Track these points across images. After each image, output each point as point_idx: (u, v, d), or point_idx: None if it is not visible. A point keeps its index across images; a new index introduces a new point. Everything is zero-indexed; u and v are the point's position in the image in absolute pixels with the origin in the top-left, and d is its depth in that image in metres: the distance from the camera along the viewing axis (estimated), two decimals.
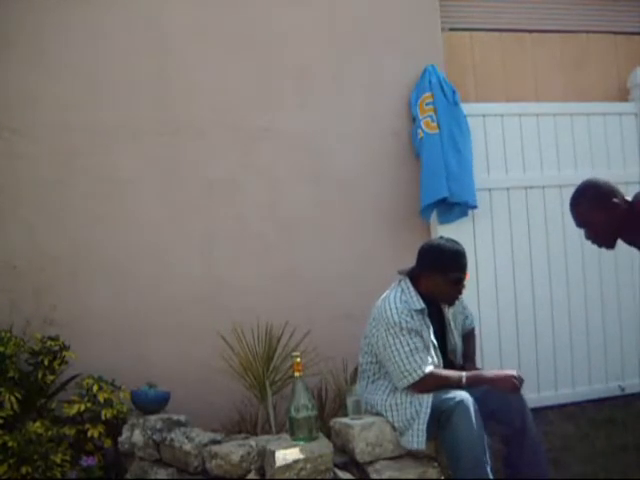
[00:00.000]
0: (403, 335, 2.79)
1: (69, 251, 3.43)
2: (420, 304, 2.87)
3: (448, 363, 2.95)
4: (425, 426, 2.71)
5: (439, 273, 2.89)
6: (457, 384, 2.75)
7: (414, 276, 2.96)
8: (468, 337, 3.19)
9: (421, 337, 2.82)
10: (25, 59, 3.43)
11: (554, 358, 3.94)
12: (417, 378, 2.75)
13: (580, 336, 4.00)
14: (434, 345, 2.88)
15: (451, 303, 3.01)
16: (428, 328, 2.88)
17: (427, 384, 2.75)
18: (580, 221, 2.71)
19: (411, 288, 2.91)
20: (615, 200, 2.62)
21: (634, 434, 3.42)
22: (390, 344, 2.80)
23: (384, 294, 2.97)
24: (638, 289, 4.06)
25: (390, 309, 2.84)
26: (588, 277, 4.03)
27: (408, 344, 2.78)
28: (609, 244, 2.71)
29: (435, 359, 2.85)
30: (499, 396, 2.78)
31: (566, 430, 3.57)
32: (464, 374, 2.79)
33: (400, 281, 2.98)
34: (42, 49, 3.45)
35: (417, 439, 2.73)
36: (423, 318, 2.87)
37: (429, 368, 2.77)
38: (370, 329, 2.93)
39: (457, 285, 2.92)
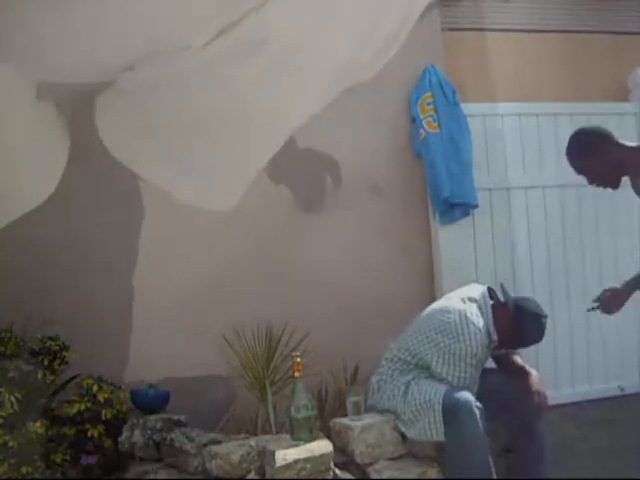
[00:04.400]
0: (474, 366, 2.81)
1: (69, 251, 3.43)
2: (495, 336, 2.89)
3: None
4: (441, 419, 2.72)
5: (516, 322, 2.91)
6: None
7: (495, 301, 2.97)
8: None
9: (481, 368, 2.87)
10: None
11: (554, 358, 3.93)
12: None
13: (580, 336, 3.99)
14: None
15: (501, 346, 2.99)
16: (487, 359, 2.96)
17: None
18: (578, 169, 2.72)
19: (490, 314, 2.90)
20: (606, 144, 2.62)
21: (634, 434, 3.42)
22: (459, 369, 2.81)
23: (460, 303, 2.91)
24: None
25: (473, 334, 2.81)
26: (588, 277, 4.02)
27: (472, 376, 2.82)
28: (612, 185, 2.71)
29: None
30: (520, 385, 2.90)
31: (566, 430, 3.57)
32: None
33: (482, 298, 2.95)
34: None
35: (431, 431, 2.75)
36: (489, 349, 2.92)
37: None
38: (429, 333, 2.88)
39: (511, 340, 2.95)
